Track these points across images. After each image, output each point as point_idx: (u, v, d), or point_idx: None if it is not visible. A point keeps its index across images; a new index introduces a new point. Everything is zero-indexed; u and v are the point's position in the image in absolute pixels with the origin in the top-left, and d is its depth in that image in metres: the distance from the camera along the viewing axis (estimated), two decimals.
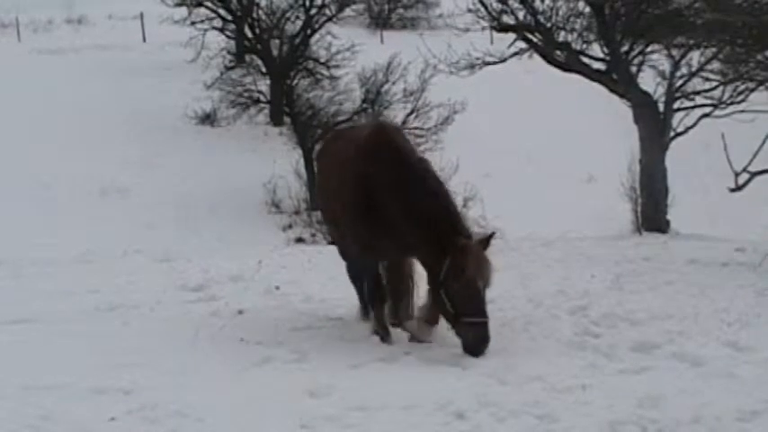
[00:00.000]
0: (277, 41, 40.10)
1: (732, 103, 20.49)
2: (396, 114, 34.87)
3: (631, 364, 8.39)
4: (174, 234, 28.28)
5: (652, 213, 20.66)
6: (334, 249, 11.13)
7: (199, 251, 16.83)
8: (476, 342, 8.52)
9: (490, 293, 8.83)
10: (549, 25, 21.12)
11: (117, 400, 7.51)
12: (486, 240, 8.83)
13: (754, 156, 14.04)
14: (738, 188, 14.30)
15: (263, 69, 39.79)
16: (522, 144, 37.58)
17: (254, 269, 13.18)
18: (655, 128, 20.51)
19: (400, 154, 9.19)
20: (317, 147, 11.56)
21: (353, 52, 38.61)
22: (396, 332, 9.56)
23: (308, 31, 40.24)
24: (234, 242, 24.65)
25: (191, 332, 9.41)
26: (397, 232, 8.94)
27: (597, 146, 34.72)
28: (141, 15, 51.35)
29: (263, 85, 39.59)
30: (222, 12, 41.07)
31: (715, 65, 20.95)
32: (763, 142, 13.97)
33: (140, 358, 8.62)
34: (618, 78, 20.91)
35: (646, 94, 20.80)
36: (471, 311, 8.53)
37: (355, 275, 10.24)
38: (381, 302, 9.53)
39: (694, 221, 21.65)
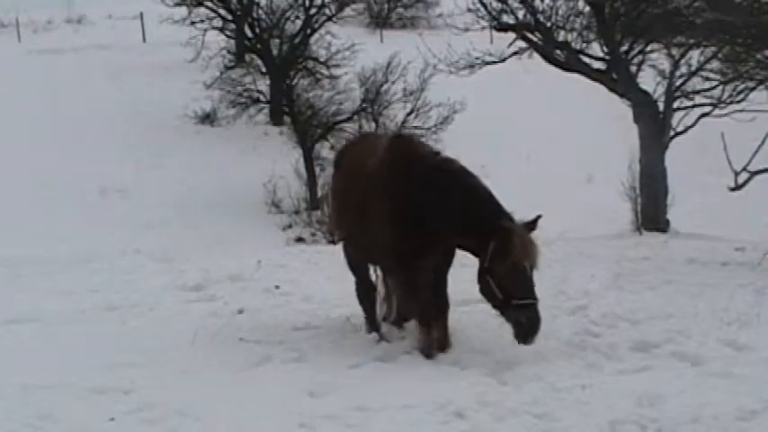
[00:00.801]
0: (277, 41, 40.05)
1: (732, 103, 20.50)
2: (395, 114, 34.86)
3: (631, 364, 8.40)
4: (174, 233, 28.26)
5: (652, 213, 20.67)
6: (333, 249, 11.13)
7: (198, 251, 16.83)
8: (528, 324, 8.30)
9: None
10: (548, 24, 21.13)
11: (116, 400, 7.52)
12: (531, 223, 8.63)
13: (754, 155, 14.07)
14: (738, 187, 14.33)
15: (263, 69, 39.74)
16: (521, 144, 37.55)
17: (254, 269, 13.18)
18: (654, 127, 20.53)
19: (425, 158, 9.04)
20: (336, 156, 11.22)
21: (353, 52, 38.56)
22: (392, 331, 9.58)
23: (308, 31, 40.19)
24: (233, 242, 24.63)
25: (190, 332, 9.40)
26: (436, 234, 8.78)
27: (597, 145, 34.71)
28: (141, 15, 51.29)
29: (263, 84, 39.54)
30: (222, 11, 41.00)
31: (714, 64, 20.96)
32: (763, 141, 14.00)
33: (140, 358, 8.62)
34: (617, 78, 20.92)
35: (645, 93, 20.81)
36: (520, 293, 8.33)
37: (362, 295, 10.02)
38: (429, 322, 9.05)
39: (694, 221, 21.66)
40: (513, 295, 8.35)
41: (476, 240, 8.57)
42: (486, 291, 8.55)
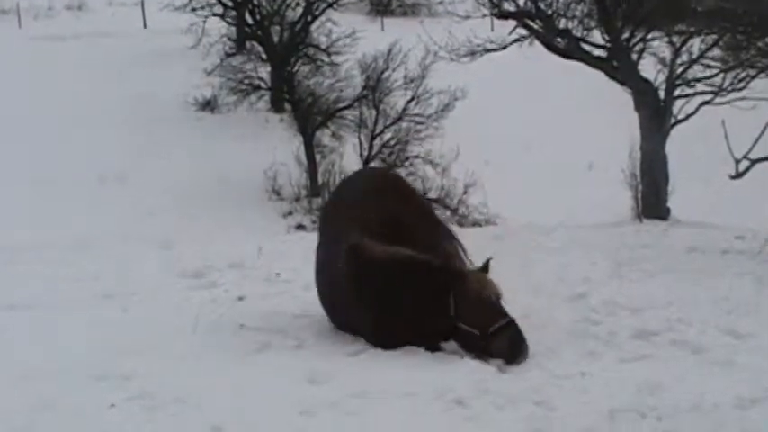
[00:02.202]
0: (277, 28, 40.00)
1: (733, 91, 20.49)
2: (396, 101, 34.84)
3: (631, 352, 8.40)
4: (174, 221, 28.26)
5: (652, 201, 20.67)
6: None
7: (198, 238, 16.81)
8: (512, 344, 8.17)
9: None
10: (549, 12, 21.14)
11: (117, 387, 7.51)
12: (483, 267, 8.62)
13: (755, 143, 14.02)
14: (739, 175, 14.29)
15: (264, 56, 39.70)
16: (522, 131, 37.55)
17: (255, 256, 13.16)
18: (655, 115, 20.52)
19: (383, 262, 8.69)
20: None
21: (354, 39, 38.51)
22: None
23: (309, 18, 40.14)
24: (234, 229, 24.63)
25: (190, 319, 9.38)
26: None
27: (598, 133, 34.71)
28: (142, 2, 51.29)
29: (264, 71, 39.52)
30: None
31: (715, 52, 20.96)
32: (764, 129, 13.95)
33: (140, 345, 8.61)
34: (618, 66, 20.90)
35: (646, 81, 20.79)
36: (494, 318, 8.25)
37: None
38: None
39: (695, 209, 21.65)
40: (488, 324, 8.23)
41: (435, 300, 8.42)
42: (464, 339, 8.42)
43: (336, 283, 9.04)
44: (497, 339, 8.22)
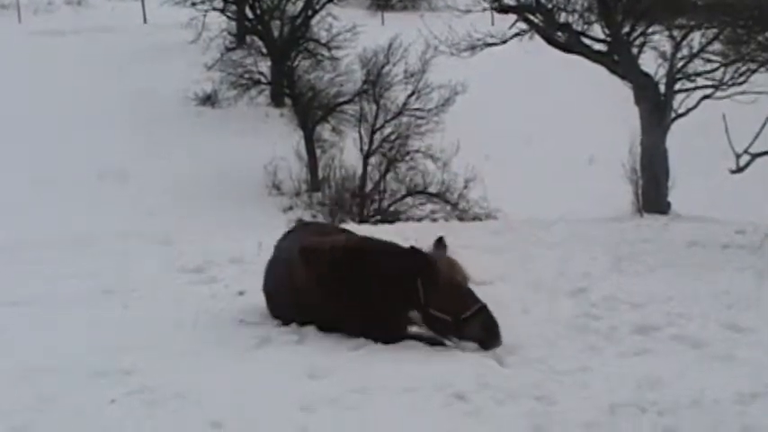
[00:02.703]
0: (278, 22, 40.01)
1: (733, 85, 20.48)
2: (397, 96, 34.82)
3: (631, 347, 8.39)
4: (174, 216, 28.23)
5: (653, 195, 20.67)
6: None
7: (198, 232, 16.77)
8: (486, 329, 8.18)
9: (490, 276, 8.74)
10: (549, 6, 21.13)
11: (117, 383, 7.50)
12: (438, 245, 8.66)
13: (756, 137, 14.02)
14: (739, 170, 14.29)
15: (264, 50, 39.73)
16: (523, 126, 37.53)
17: (255, 251, 13.13)
18: (656, 109, 20.51)
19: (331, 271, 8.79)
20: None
21: (354, 33, 38.53)
22: None
23: (309, 12, 40.15)
24: (234, 224, 24.59)
25: (190, 314, 9.38)
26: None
27: (598, 128, 34.69)
28: None
29: (264, 66, 39.54)
30: None
31: (716, 46, 20.97)
32: (765, 124, 13.94)
33: (140, 340, 8.61)
34: (619, 60, 20.89)
35: (647, 75, 20.78)
36: (465, 304, 8.23)
37: None
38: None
39: (696, 203, 21.64)
40: (460, 309, 8.23)
41: (404, 287, 8.43)
42: (436, 324, 8.40)
43: (301, 289, 9.01)
44: (470, 325, 8.23)
